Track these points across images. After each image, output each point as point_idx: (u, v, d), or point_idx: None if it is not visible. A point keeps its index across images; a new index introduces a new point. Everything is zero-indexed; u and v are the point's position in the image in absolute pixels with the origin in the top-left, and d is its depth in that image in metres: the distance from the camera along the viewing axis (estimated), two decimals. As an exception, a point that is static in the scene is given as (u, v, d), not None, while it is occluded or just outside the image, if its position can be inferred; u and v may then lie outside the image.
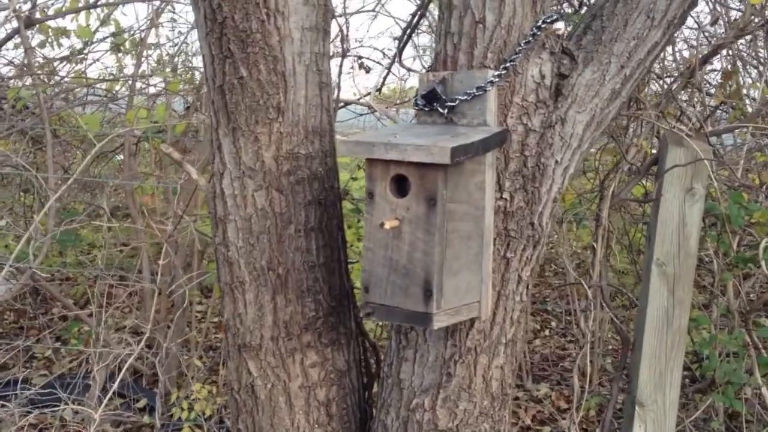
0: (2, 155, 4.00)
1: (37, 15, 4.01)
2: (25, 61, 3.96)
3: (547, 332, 5.27)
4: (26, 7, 3.98)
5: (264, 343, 1.97)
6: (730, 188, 3.01)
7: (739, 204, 2.71)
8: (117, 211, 5.23)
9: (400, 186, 1.66)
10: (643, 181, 3.05)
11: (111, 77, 4.74)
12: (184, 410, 3.38)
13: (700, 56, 3.17)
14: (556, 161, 1.85)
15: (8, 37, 4.11)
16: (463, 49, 1.80)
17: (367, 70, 3.95)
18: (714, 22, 3.72)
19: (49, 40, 4.14)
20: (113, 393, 2.58)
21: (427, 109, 1.79)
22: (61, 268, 4.76)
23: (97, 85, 4.60)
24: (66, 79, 4.44)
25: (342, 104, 3.85)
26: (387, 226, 1.62)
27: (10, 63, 4.55)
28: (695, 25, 4.13)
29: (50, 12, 4.12)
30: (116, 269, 4.22)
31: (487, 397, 1.91)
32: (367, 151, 1.64)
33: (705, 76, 3.88)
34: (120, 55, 4.52)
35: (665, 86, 3.25)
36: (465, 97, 1.74)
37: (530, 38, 1.77)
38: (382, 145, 1.61)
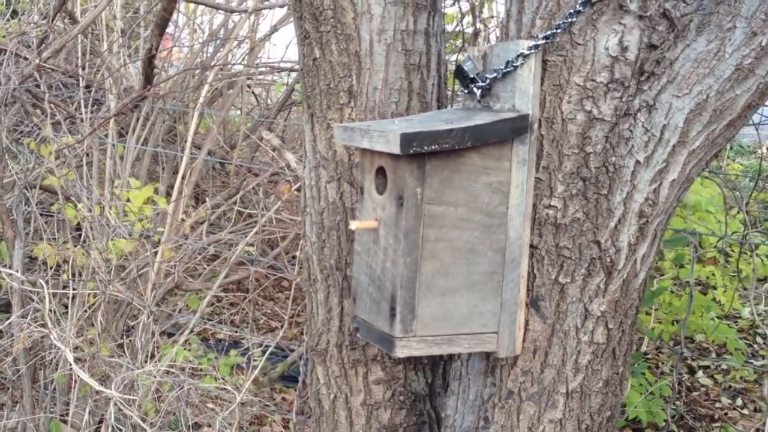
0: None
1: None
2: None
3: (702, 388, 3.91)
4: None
5: (330, 349, 1.81)
6: None
7: None
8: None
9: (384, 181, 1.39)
10: None
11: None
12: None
13: None
14: (638, 161, 1.38)
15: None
16: (513, 15, 1.44)
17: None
18: None
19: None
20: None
21: (466, 91, 1.46)
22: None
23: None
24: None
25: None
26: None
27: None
28: None
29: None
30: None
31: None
32: (351, 138, 1.40)
33: None
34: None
35: None
36: (494, 75, 1.39)
37: (592, -3, 1.34)
38: (359, 131, 1.36)
